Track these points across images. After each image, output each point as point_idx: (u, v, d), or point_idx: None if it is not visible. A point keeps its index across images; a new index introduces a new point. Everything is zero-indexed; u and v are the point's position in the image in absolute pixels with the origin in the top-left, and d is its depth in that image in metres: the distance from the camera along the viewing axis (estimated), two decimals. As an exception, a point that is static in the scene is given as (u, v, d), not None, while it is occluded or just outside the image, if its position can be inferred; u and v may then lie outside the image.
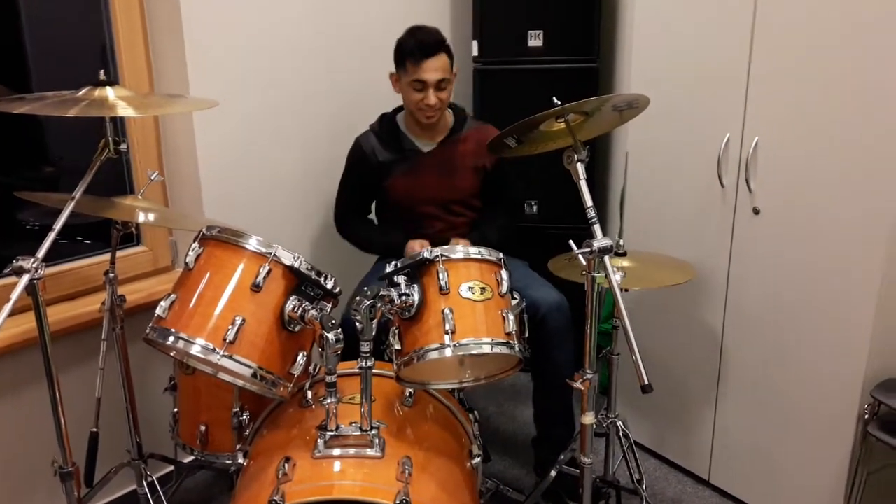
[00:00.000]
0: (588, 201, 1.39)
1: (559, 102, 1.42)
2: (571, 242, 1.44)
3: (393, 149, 2.18)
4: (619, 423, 1.91)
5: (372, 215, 2.37)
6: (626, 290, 1.77)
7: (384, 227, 2.30)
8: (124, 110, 1.40)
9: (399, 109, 2.24)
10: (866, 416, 1.75)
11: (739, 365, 2.06)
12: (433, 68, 2.01)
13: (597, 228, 1.37)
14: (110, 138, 1.45)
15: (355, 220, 2.30)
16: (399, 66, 2.09)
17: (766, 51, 1.85)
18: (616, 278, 1.33)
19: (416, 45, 2.01)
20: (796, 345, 1.90)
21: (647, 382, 1.25)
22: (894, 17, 1.59)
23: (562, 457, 1.94)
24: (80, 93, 1.43)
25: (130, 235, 2.15)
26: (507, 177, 2.27)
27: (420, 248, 2.06)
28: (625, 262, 1.86)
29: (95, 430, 1.76)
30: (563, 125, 1.46)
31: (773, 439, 2.01)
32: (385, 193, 2.21)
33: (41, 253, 1.32)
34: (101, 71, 1.46)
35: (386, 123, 2.21)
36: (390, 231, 2.23)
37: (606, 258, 1.34)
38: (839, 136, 1.73)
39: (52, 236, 1.34)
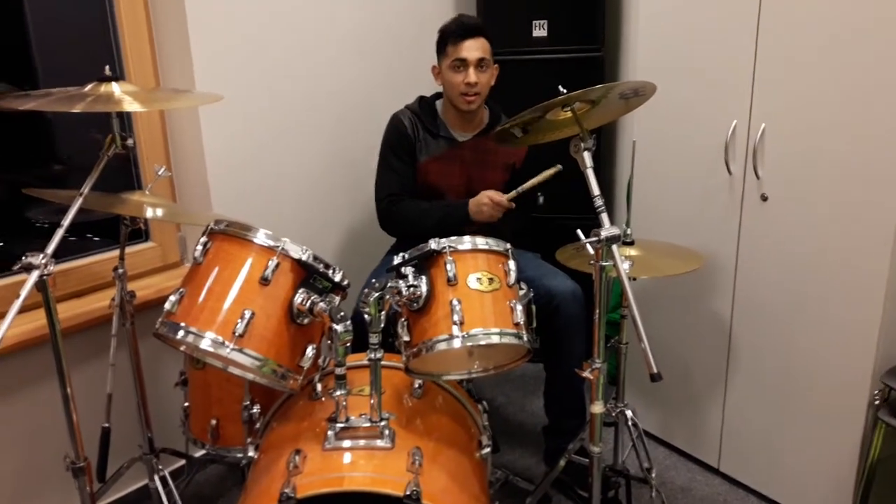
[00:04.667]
0: (595, 190, 1.38)
1: (565, 91, 1.41)
2: (579, 231, 1.43)
3: (429, 131, 2.18)
4: (629, 413, 1.91)
5: None
6: (635, 279, 1.77)
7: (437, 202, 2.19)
8: (130, 105, 1.41)
9: (437, 97, 2.24)
10: (877, 402, 1.74)
11: (748, 353, 2.06)
12: (474, 47, 2.05)
13: (604, 217, 1.36)
14: (117, 133, 1.45)
15: (407, 201, 2.16)
16: (440, 52, 2.13)
17: (773, 37, 1.84)
18: (624, 267, 1.32)
19: (456, 27, 2.08)
20: (805, 332, 1.89)
21: (655, 371, 1.25)
22: (903, -1, 1.57)
23: (571, 446, 1.95)
24: (86, 88, 1.43)
25: (139, 231, 2.15)
26: (532, 173, 2.27)
27: (488, 199, 1.99)
28: (632, 251, 1.86)
29: (107, 425, 1.77)
30: (569, 114, 1.46)
31: (782, 427, 2.00)
32: (415, 175, 2.19)
33: (50, 249, 1.32)
34: (107, 66, 1.46)
35: (425, 105, 2.22)
36: (446, 202, 2.15)
37: (614, 247, 1.34)
38: (847, 122, 1.71)
39: (60, 233, 1.34)
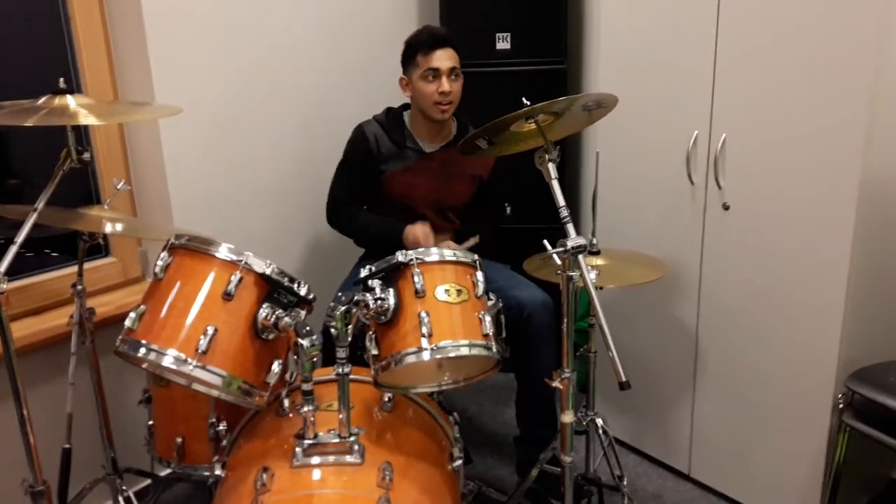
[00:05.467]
0: (560, 201, 1.39)
1: (528, 103, 1.42)
2: (546, 242, 1.44)
3: (396, 142, 2.17)
4: (599, 421, 1.92)
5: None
6: (601, 288, 1.78)
7: (380, 217, 2.24)
8: (86, 118, 1.37)
9: (404, 108, 2.24)
10: (841, 405, 1.77)
11: (715, 359, 2.08)
12: (445, 57, 2.06)
13: (570, 228, 1.37)
14: (72, 147, 1.42)
15: (351, 209, 2.23)
16: (408, 64, 2.12)
17: (731, 49, 1.87)
18: (591, 276, 1.33)
19: (427, 37, 2.07)
20: (769, 337, 1.92)
21: (624, 379, 1.25)
22: (851, 15, 1.62)
23: (543, 456, 1.94)
24: (40, 101, 1.40)
25: (99, 246, 2.10)
26: (498, 185, 2.29)
27: (421, 233, 2.06)
28: (599, 261, 1.87)
29: (68, 446, 1.72)
30: (533, 126, 1.46)
31: (750, 432, 2.03)
32: (381, 186, 2.18)
33: (3, 267, 1.28)
34: (61, 79, 1.42)
35: (392, 117, 2.21)
36: (387, 219, 2.19)
37: (580, 257, 1.34)
38: (804, 133, 1.75)
39: (13, 249, 1.30)
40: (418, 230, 2.08)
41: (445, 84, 2.05)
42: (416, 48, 2.09)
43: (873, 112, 1.64)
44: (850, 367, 1.81)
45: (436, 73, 2.06)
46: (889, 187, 1.79)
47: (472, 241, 2.09)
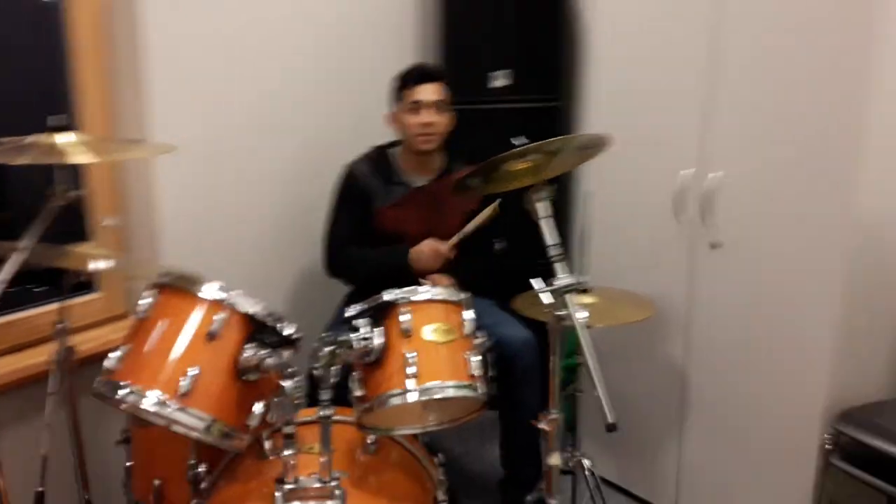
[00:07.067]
0: (550, 239, 1.39)
1: (522, 142, 1.43)
2: (534, 282, 1.43)
3: (385, 178, 2.18)
4: (586, 462, 1.90)
5: None
6: (590, 327, 1.77)
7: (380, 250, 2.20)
8: (78, 157, 1.37)
9: (393, 144, 2.25)
10: (828, 446, 1.76)
11: (702, 399, 2.07)
12: (429, 91, 2.09)
13: (559, 267, 1.37)
14: (62, 186, 1.41)
15: (350, 250, 2.17)
16: (396, 98, 2.15)
17: (721, 89, 1.90)
18: (580, 316, 1.32)
19: (413, 71, 2.14)
20: (757, 377, 1.92)
21: (612, 421, 1.24)
22: (843, 55, 1.65)
23: (529, 498, 1.91)
24: (28, 140, 1.39)
25: (86, 282, 2.08)
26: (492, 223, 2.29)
27: (428, 248, 2.05)
28: (588, 299, 1.87)
29: (41, 489, 1.67)
30: (526, 164, 1.47)
31: (737, 472, 2.01)
32: (372, 221, 2.18)
33: (-17, 305, 1.26)
34: (51, 117, 1.42)
35: (379, 153, 2.23)
36: (388, 248, 2.16)
37: (569, 296, 1.34)
38: (792, 174, 1.78)
39: (-3, 288, 1.29)
40: (425, 246, 2.07)
41: (425, 116, 2.08)
42: (403, 82, 2.13)
43: (864, 150, 1.66)
44: (839, 407, 1.80)
45: (419, 105, 2.09)
46: (878, 226, 1.80)
47: (491, 210, 2.02)
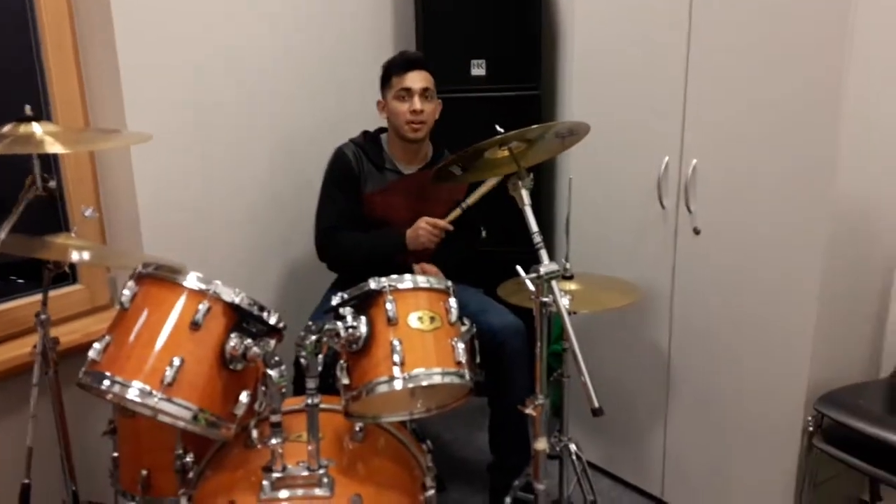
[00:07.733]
0: (533, 227, 1.40)
1: (503, 130, 1.43)
2: (519, 268, 1.44)
3: (374, 163, 2.18)
4: (573, 446, 1.91)
5: None
6: (575, 313, 1.78)
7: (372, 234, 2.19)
8: (52, 147, 1.35)
9: (381, 131, 2.25)
10: (811, 428, 1.79)
11: (687, 382, 2.09)
12: (418, 78, 2.10)
13: (543, 254, 1.38)
14: (38, 175, 1.39)
15: (342, 234, 2.15)
16: (384, 86, 2.17)
17: (701, 76, 1.91)
18: (564, 302, 1.33)
19: (401, 59, 2.14)
20: (740, 360, 1.94)
21: (597, 406, 1.25)
22: (819, 45, 1.66)
23: (517, 482, 1.93)
24: (5, 129, 1.37)
25: (66, 274, 2.06)
26: (474, 208, 2.29)
27: (423, 226, 2.07)
28: (572, 286, 1.87)
29: (27, 481, 1.66)
30: (506, 152, 1.47)
31: (722, 454, 2.03)
32: (360, 207, 2.18)
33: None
34: (27, 106, 1.40)
35: (370, 139, 2.22)
36: (381, 231, 2.16)
37: (554, 283, 1.35)
38: (772, 157, 1.79)
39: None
40: (420, 222, 2.08)
41: (417, 103, 2.08)
42: (391, 70, 2.14)
43: (843, 135, 1.67)
44: (821, 390, 1.82)
45: (408, 93, 2.09)
46: (859, 210, 1.82)
47: (494, 181, 2.03)
